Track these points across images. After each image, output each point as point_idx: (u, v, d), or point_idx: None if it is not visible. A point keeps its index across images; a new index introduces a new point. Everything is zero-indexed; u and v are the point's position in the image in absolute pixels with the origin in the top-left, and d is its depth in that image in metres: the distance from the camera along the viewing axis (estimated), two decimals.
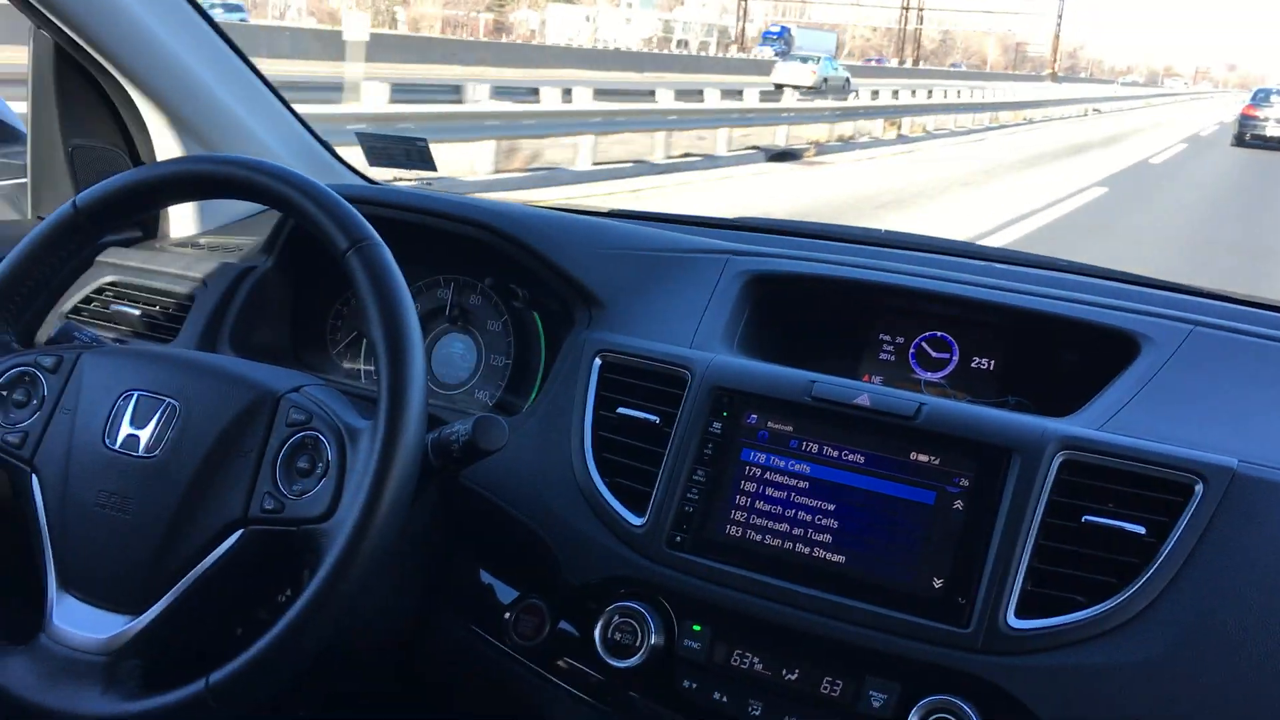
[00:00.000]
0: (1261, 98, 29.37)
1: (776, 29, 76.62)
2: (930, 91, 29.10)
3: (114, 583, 1.09)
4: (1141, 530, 1.05)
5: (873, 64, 75.92)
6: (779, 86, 32.65)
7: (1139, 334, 1.28)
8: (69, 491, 1.12)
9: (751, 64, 48.34)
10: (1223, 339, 1.28)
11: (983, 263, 1.54)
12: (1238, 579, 1.02)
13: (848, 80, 38.21)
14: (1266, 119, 28.22)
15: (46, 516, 1.12)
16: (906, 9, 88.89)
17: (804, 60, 39.54)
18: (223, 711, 1.01)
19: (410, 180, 1.98)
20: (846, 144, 18.14)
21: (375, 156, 1.94)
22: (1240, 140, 28.32)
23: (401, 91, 12.29)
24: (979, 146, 21.02)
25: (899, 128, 20.89)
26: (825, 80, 36.09)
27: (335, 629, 1.02)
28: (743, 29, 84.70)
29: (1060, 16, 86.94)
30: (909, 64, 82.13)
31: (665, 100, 15.01)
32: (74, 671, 1.06)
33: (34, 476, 1.14)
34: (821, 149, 16.88)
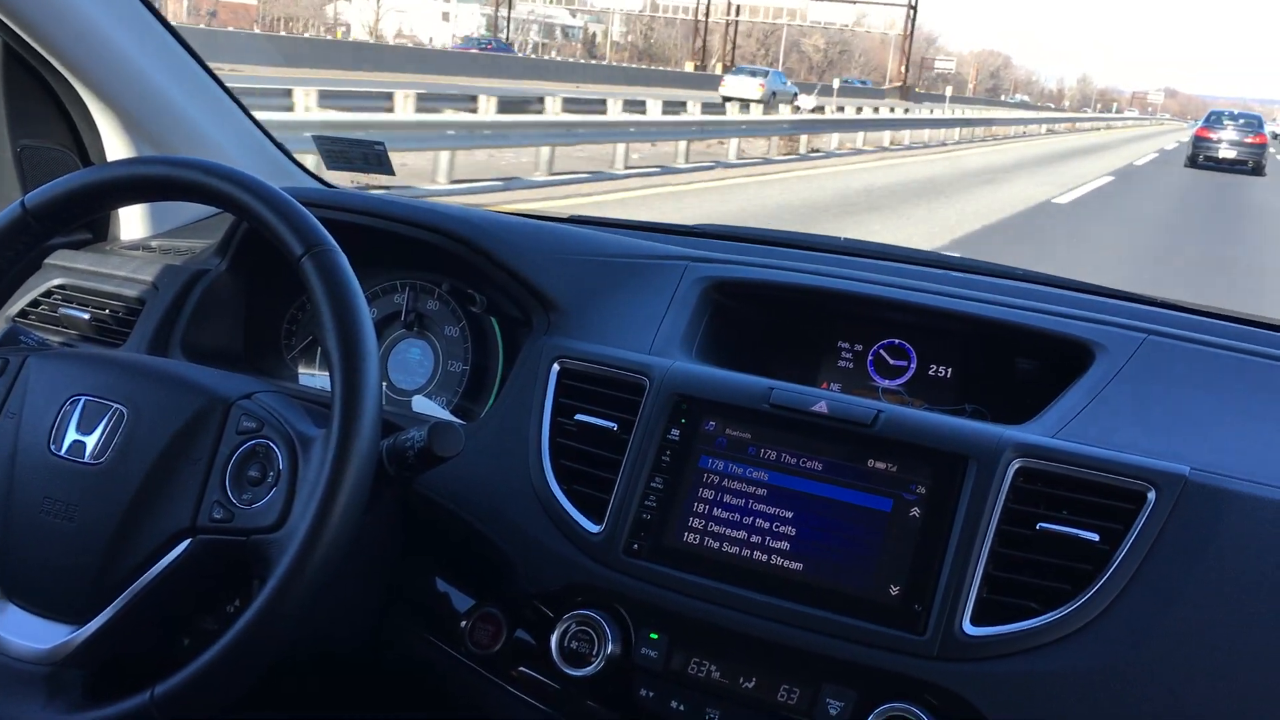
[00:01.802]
0: (1214, 120, 30.26)
1: None
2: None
3: (58, 592, 1.06)
4: (1095, 537, 1.06)
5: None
6: (726, 100, 32.82)
7: (1093, 342, 1.29)
8: (12, 498, 1.09)
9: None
10: (1176, 348, 1.29)
11: (941, 271, 1.55)
12: (1190, 585, 1.03)
13: (796, 94, 38.40)
14: (1219, 141, 29.08)
15: None
16: None
17: (753, 74, 39.75)
18: None
19: (367, 184, 1.97)
20: None
21: (332, 159, 1.92)
22: (1193, 162, 29.09)
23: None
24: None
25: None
26: (774, 94, 36.37)
27: (285, 640, 1.00)
28: (509, 21, 68.77)
29: (913, 7, 68.10)
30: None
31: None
32: (16, 682, 1.04)
33: None
34: None
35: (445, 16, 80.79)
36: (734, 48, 72.66)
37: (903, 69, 75.07)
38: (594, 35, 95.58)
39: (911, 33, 72.26)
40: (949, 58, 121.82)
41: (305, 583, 0.98)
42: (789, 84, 41.59)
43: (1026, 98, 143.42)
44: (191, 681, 0.98)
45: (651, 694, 1.16)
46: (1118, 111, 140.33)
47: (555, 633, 1.18)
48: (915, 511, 1.11)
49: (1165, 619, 1.03)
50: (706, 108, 17.95)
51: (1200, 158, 29.05)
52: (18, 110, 1.72)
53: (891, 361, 1.43)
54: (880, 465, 1.14)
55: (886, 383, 1.43)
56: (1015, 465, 1.10)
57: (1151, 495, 1.06)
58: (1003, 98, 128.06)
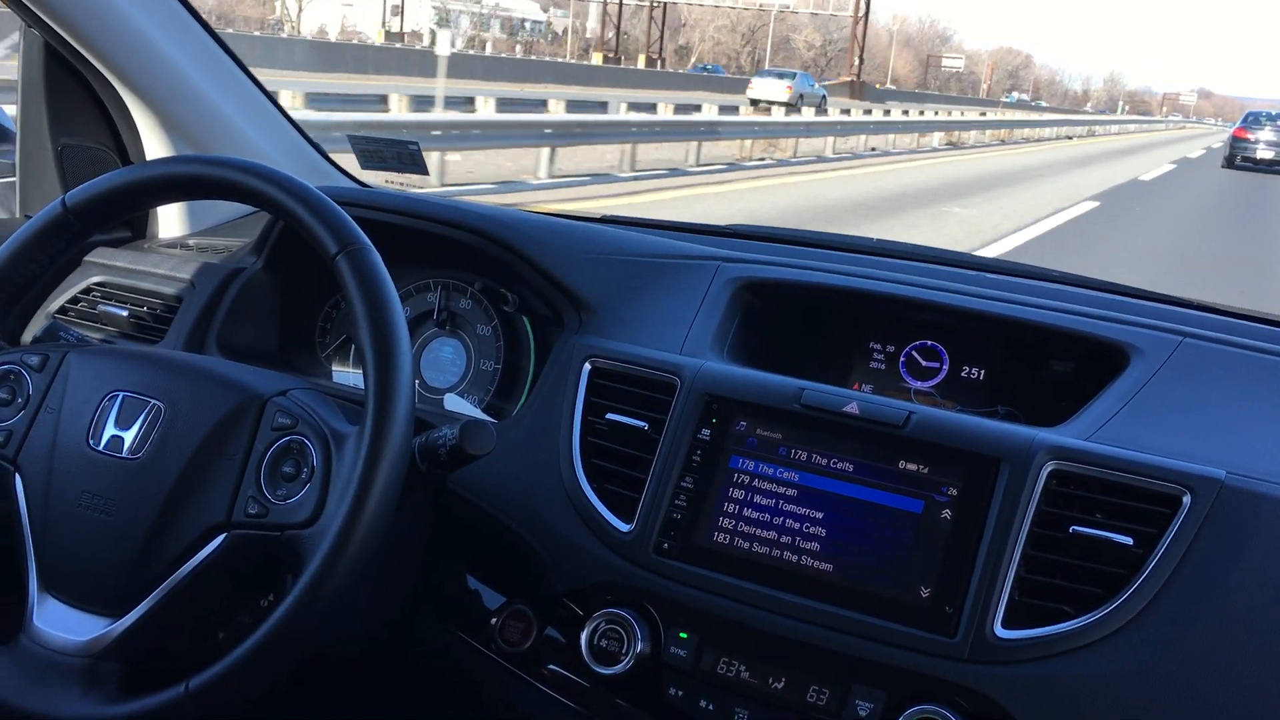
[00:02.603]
0: (1252, 120, 30.23)
1: None
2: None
3: (95, 585, 1.08)
4: (1129, 541, 1.05)
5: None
6: (755, 102, 32.75)
7: (1128, 345, 1.28)
8: (52, 492, 1.11)
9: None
10: (1212, 350, 1.28)
11: (974, 272, 1.54)
12: (1225, 590, 1.02)
13: (824, 98, 38.19)
14: (1257, 141, 29.14)
15: (29, 517, 1.11)
16: None
17: (780, 77, 39.50)
18: (202, 715, 1.00)
19: (401, 183, 1.98)
20: None
21: (367, 159, 1.94)
22: (1230, 162, 29.20)
23: None
24: None
25: None
26: (801, 96, 36.26)
27: (318, 635, 1.01)
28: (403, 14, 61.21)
29: None
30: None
31: None
32: (54, 673, 1.05)
33: (17, 476, 1.13)
34: None
35: (395, 10, 73.03)
36: (662, 36, 61.79)
37: (855, 60, 60.31)
38: (560, 30, 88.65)
39: (866, 14, 59.56)
40: (957, 55, 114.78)
41: (338, 578, 0.99)
42: (817, 86, 41.31)
43: (1024, 96, 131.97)
44: (226, 674, 0.99)
45: (680, 693, 1.16)
46: (1132, 113, 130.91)
47: (585, 631, 1.18)
48: (946, 513, 1.11)
49: (1200, 624, 1.02)
50: (502, 105, 14.52)
51: (1238, 158, 29.12)
52: (59, 110, 1.74)
53: (923, 363, 1.42)
54: (911, 466, 1.14)
55: (918, 384, 1.42)
56: (1048, 468, 1.10)
57: (1187, 499, 1.05)
58: (1002, 99, 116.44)
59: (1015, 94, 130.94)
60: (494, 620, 1.27)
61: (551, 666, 1.24)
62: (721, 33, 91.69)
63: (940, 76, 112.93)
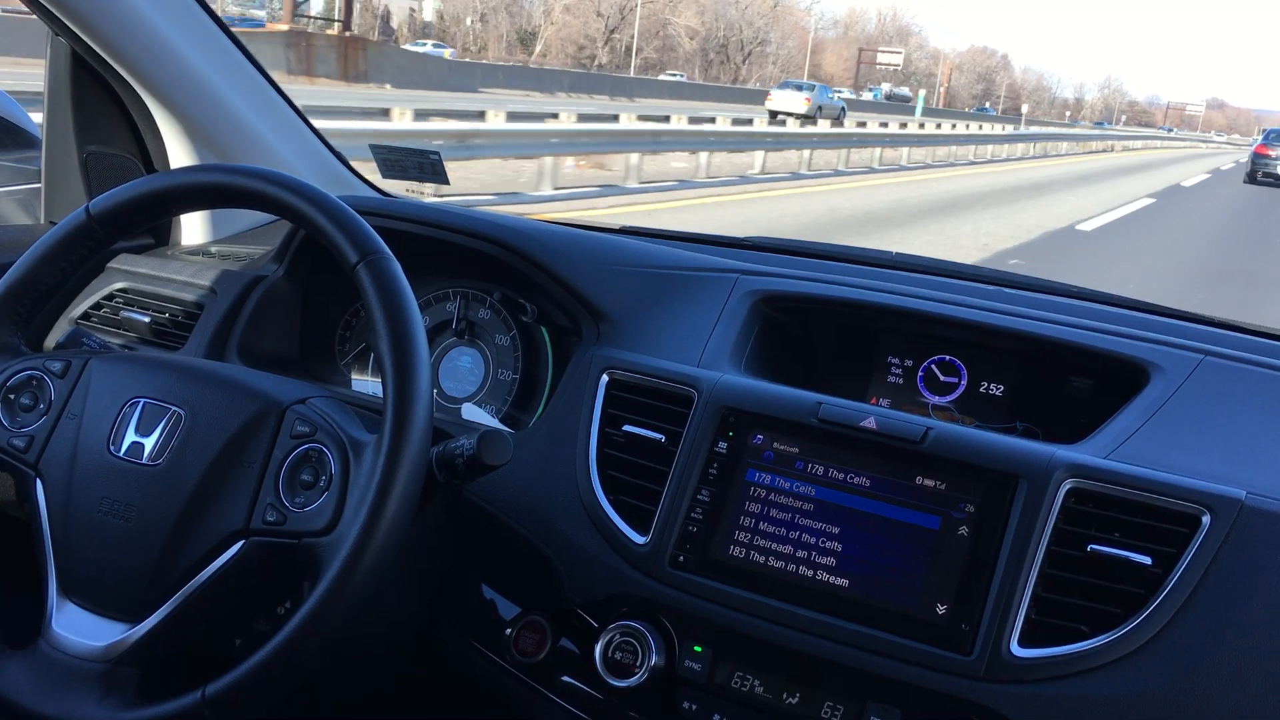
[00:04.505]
0: (1274, 137, 30.91)
1: None
2: None
3: (114, 590, 1.08)
4: (1148, 561, 1.04)
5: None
6: (774, 114, 33.00)
7: (1149, 362, 1.27)
8: (72, 497, 1.12)
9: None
10: (1233, 369, 1.27)
11: (993, 287, 1.53)
12: (1244, 611, 1.02)
13: (843, 109, 38.37)
14: (1278, 158, 29.64)
15: (49, 522, 1.12)
16: None
17: (799, 89, 39.71)
18: None
19: (423, 193, 1.99)
20: None
21: (388, 168, 1.95)
22: (1252, 178, 29.79)
23: None
24: None
25: None
26: (820, 108, 36.43)
27: (334, 643, 1.02)
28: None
29: None
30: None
31: None
32: (71, 679, 1.06)
33: (38, 481, 1.14)
34: None
35: None
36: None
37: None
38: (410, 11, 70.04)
39: None
40: (895, 50, 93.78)
41: (354, 586, 1.00)
42: (835, 98, 41.45)
43: (902, 90, 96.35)
44: (242, 681, 1.00)
45: (694, 707, 1.15)
46: (1131, 124, 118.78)
47: (599, 643, 1.18)
48: (963, 530, 1.10)
49: (1218, 645, 1.01)
50: None
51: (1259, 174, 29.68)
52: (85, 117, 1.76)
53: (942, 378, 1.42)
54: (929, 482, 1.13)
55: (937, 399, 1.42)
56: (1067, 485, 1.09)
57: (1206, 519, 1.05)
58: (861, 94, 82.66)
59: (887, 86, 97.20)
60: (509, 630, 1.27)
61: (565, 678, 1.23)
62: (570, 14, 70.05)
63: (859, 71, 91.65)
